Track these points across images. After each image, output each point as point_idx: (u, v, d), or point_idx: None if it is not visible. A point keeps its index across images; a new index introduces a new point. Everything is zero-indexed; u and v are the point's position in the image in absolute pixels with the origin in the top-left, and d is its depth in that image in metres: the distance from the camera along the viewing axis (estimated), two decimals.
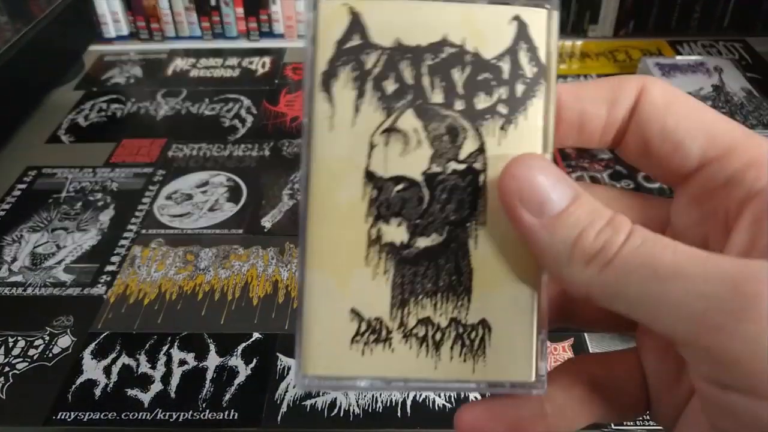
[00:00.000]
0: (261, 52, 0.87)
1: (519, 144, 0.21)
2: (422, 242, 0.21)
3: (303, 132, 0.21)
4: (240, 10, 0.89)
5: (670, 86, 0.21)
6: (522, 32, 0.21)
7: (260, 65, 0.84)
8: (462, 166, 0.21)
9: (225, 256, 0.54)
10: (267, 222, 0.58)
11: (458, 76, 0.21)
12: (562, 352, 0.45)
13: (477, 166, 0.21)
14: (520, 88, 0.21)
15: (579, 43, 0.86)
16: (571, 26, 0.88)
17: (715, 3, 0.86)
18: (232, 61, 0.85)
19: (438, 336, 0.21)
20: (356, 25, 0.21)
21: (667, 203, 0.23)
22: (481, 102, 0.21)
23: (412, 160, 0.21)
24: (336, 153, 0.21)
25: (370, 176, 0.21)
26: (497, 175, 0.21)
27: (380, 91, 0.21)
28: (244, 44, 0.90)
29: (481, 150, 0.21)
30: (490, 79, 0.21)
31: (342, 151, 0.21)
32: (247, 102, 0.76)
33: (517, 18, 0.21)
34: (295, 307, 0.22)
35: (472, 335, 0.21)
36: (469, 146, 0.21)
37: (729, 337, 0.15)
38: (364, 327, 0.21)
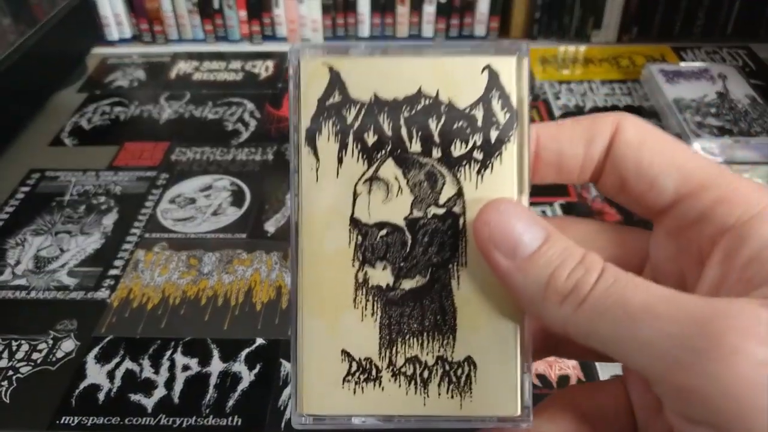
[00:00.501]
0: (264, 56, 0.87)
1: (495, 187, 0.22)
2: (407, 284, 0.22)
3: (291, 183, 0.23)
4: (243, 13, 0.89)
5: (644, 123, 0.22)
6: (493, 81, 0.22)
7: (263, 69, 0.84)
8: (442, 211, 0.22)
9: (228, 260, 0.54)
10: (270, 227, 0.58)
11: (434, 126, 0.22)
12: (567, 360, 0.45)
13: (456, 210, 0.22)
14: (494, 135, 0.22)
15: (582, 48, 0.86)
16: (574, 32, 0.89)
17: (719, 9, 0.86)
18: (236, 64, 0.85)
19: (426, 374, 0.22)
20: (336, 82, 0.22)
21: (646, 236, 0.23)
22: (457, 149, 0.22)
23: (394, 207, 0.22)
24: (323, 202, 0.22)
25: (355, 223, 0.22)
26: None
27: (361, 143, 0.22)
28: (247, 47, 0.90)
29: (459, 194, 0.22)
30: (464, 128, 0.22)
31: (328, 201, 0.22)
32: (250, 106, 0.76)
33: (488, 67, 0.22)
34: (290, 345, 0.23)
35: (459, 372, 0.22)
36: (447, 191, 0.22)
37: (696, 376, 0.16)
38: (354, 367, 0.22)
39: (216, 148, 0.68)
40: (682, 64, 0.77)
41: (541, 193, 0.60)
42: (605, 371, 0.44)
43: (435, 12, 0.88)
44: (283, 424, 0.41)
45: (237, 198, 0.61)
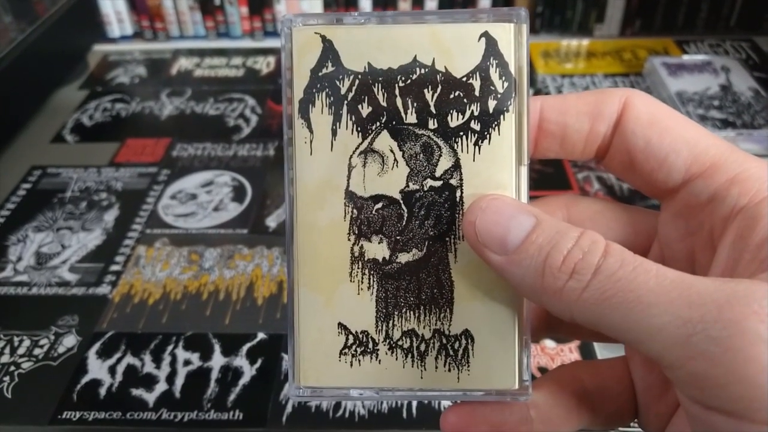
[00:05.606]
0: (265, 52, 0.87)
1: (493, 159, 0.21)
2: (403, 257, 0.22)
3: (285, 157, 0.22)
4: (244, 10, 0.88)
5: (654, 100, 0.21)
6: (491, 48, 0.21)
7: (265, 65, 0.84)
8: (438, 183, 0.22)
9: (229, 256, 0.54)
10: (272, 222, 0.58)
11: (430, 96, 0.22)
12: (569, 353, 0.45)
13: (453, 182, 0.22)
14: (491, 104, 0.21)
15: (585, 42, 0.86)
16: (577, 25, 0.88)
17: (722, 2, 0.85)
18: (237, 60, 0.85)
19: (423, 347, 0.22)
20: (329, 52, 0.22)
21: (653, 215, 0.23)
22: (454, 120, 0.22)
23: (390, 179, 0.22)
24: (317, 176, 0.22)
25: (350, 196, 0.22)
26: (473, 190, 0.21)
27: (355, 114, 0.22)
28: (248, 44, 0.90)
29: (456, 166, 0.22)
30: (461, 97, 0.21)
31: (322, 174, 0.22)
32: (251, 101, 0.76)
33: (485, 35, 0.21)
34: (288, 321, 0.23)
35: (456, 345, 0.22)
36: (444, 163, 0.22)
37: (713, 364, 0.15)
38: (351, 340, 0.22)
39: (217, 144, 0.68)
40: (685, 57, 0.77)
41: (544, 186, 0.60)
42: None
43: (437, 8, 0.87)
44: (284, 418, 0.41)
45: (238, 193, 0.61)
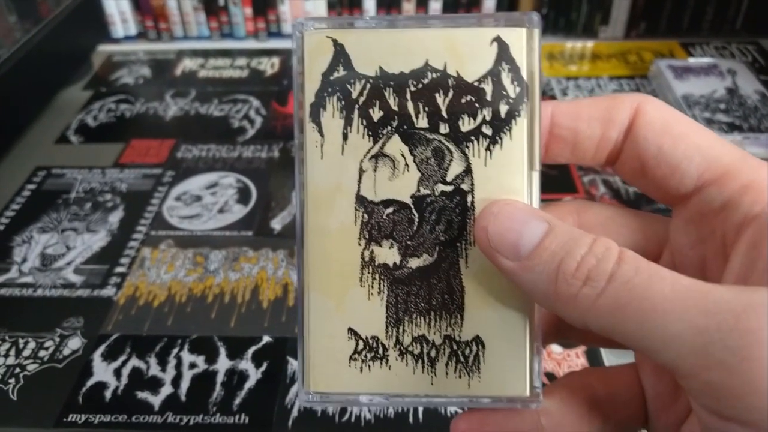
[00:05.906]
0: (269, 53, 0.87)
1: (504, 163, 0.21)
2: (414, 263, 0.22)
3: (296, 161, 0.22)
4: (248, 10, 0.88)
5: (666, 106, 0.21)
6: (503, 53, 0.21)
7: (269, 66, 0.84)
8: (449, 188, 0.21)
9: (234, 258, 0.54)
10: (277, 224, 0.57)
11: (441, 100, 0.21)
12: (575, 358, 0.45)
13: (464, 187, 0.21)
14: (503, 109, 0.21)
15: (590, 44, 0.86)
16: (581, 28, 0.88)
17: (728, 4, 0.85)
18: (241, 61, 0.85)
19: (433, 353, 0.22)
20: (340, 56, 0.22)
21: (664, 222, 0.23)
22: (466, 124, 0.21)
23: (401, 184, 0.22)
24: (328, 180, 0.22)
25: (361, 201, 0.22)
26: (485, 195, 0.21)
27: (366, 118, 0.22)
28: (252, 44, 0.89)
29: (467, 171, 0.21)
30: (473, 101, 0.21)
31: (333, 178, 0.22)
32: (256, 103, 0.75)
33: (497, 39, 0.21)
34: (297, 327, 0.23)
35: (467, 351, 0.22)
36: (455, 168, 0.21)
37: (730, 374, 0.15)
38: (361, 345, 0.22)
39: (222, 146, 0.68)
40: (691, 59, 0.77)
41: (549, 189, 0.60)
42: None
43: (441, 8, 0.87)
44: (290, 422, 0.41)
45: (243, 195, 0.61)
